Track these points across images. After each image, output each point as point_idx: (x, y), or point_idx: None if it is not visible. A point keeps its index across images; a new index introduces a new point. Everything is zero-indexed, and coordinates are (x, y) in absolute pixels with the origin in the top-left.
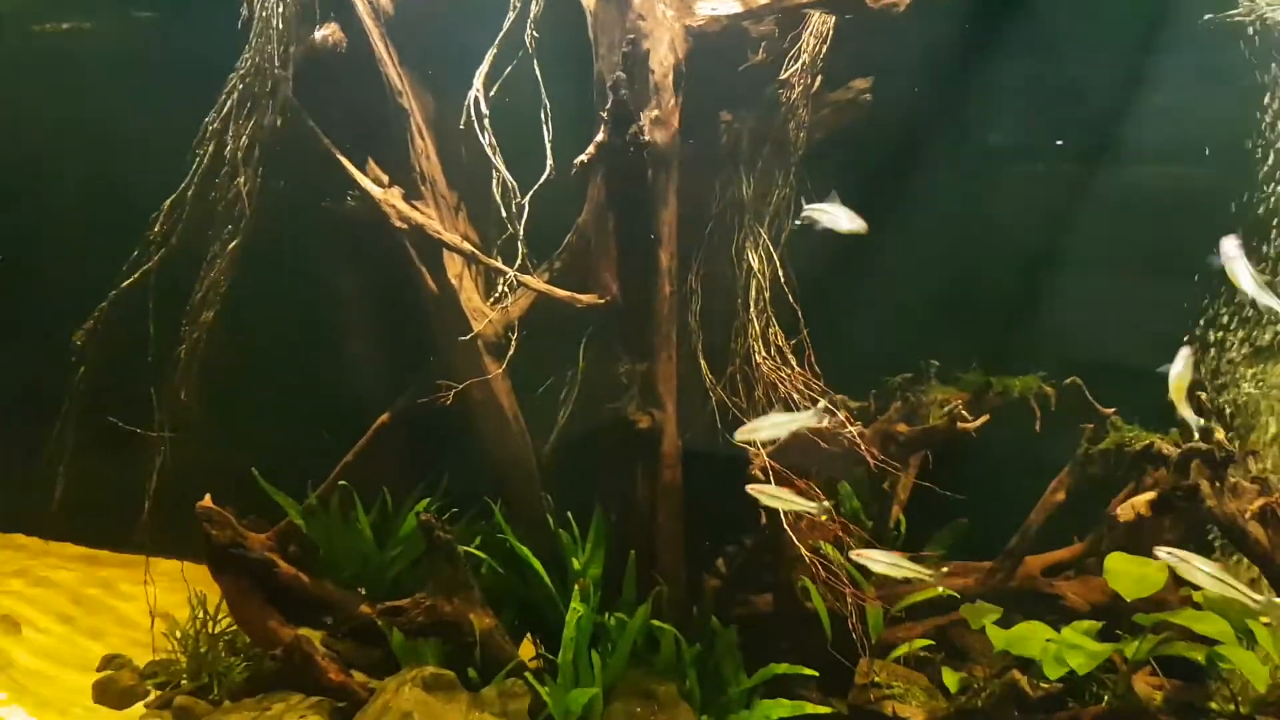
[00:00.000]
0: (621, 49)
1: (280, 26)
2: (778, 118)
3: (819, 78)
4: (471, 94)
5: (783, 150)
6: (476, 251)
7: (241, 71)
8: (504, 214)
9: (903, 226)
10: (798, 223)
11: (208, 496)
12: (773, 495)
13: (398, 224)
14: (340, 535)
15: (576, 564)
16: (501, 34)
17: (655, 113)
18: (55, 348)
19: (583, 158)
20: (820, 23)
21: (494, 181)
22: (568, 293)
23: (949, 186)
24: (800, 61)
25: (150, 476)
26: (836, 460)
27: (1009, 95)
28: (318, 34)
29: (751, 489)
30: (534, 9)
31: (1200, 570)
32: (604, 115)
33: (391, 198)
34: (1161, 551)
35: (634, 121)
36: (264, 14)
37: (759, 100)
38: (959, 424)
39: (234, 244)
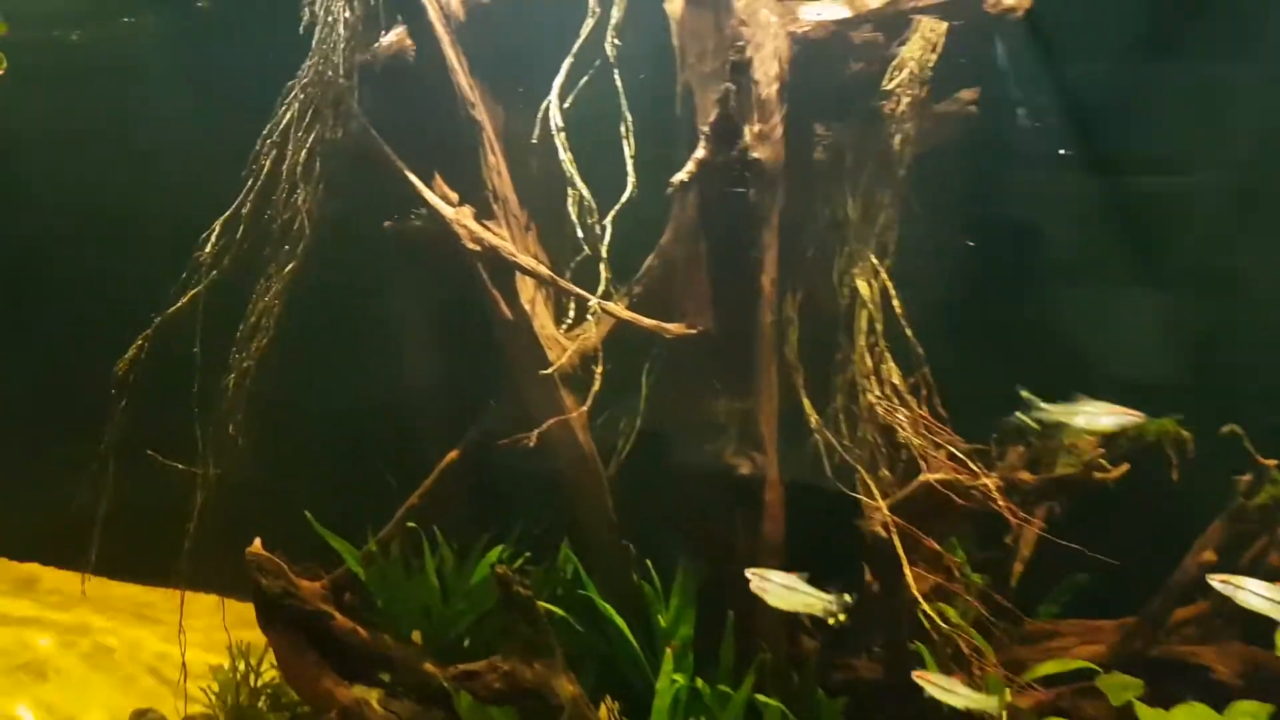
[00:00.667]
0: (727, 57)
1: (344, 32)
2: (882, 131)
3: (926, 88)
4: (549, 105)
5: (887, 165)
6: (555, 277)
7: (304, 80)
8: (580, 235)
9: (1018, 249)
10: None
11: (257, 541)
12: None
13: (470, 246)
14: (402, 585)
15: (663, 621)
16: (580, 41)
17: (759, 127)
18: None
19: (682, 176)
20: (929, 29)
21: (570, 200)
22: (655, 322)
23: (1072, 204)
24: (907, 70)
25: (194, 514)
26: (959, 515)
27: (1131, 106)
28: (384, 40)
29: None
30: (615, 14)
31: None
32: (705, 130)
33: (463, 217)
34: (1215, 580)
35: (739, 137)
36: (328, 19)
37: (862, 112)
38: (1096, 474)
39: (290, 266)
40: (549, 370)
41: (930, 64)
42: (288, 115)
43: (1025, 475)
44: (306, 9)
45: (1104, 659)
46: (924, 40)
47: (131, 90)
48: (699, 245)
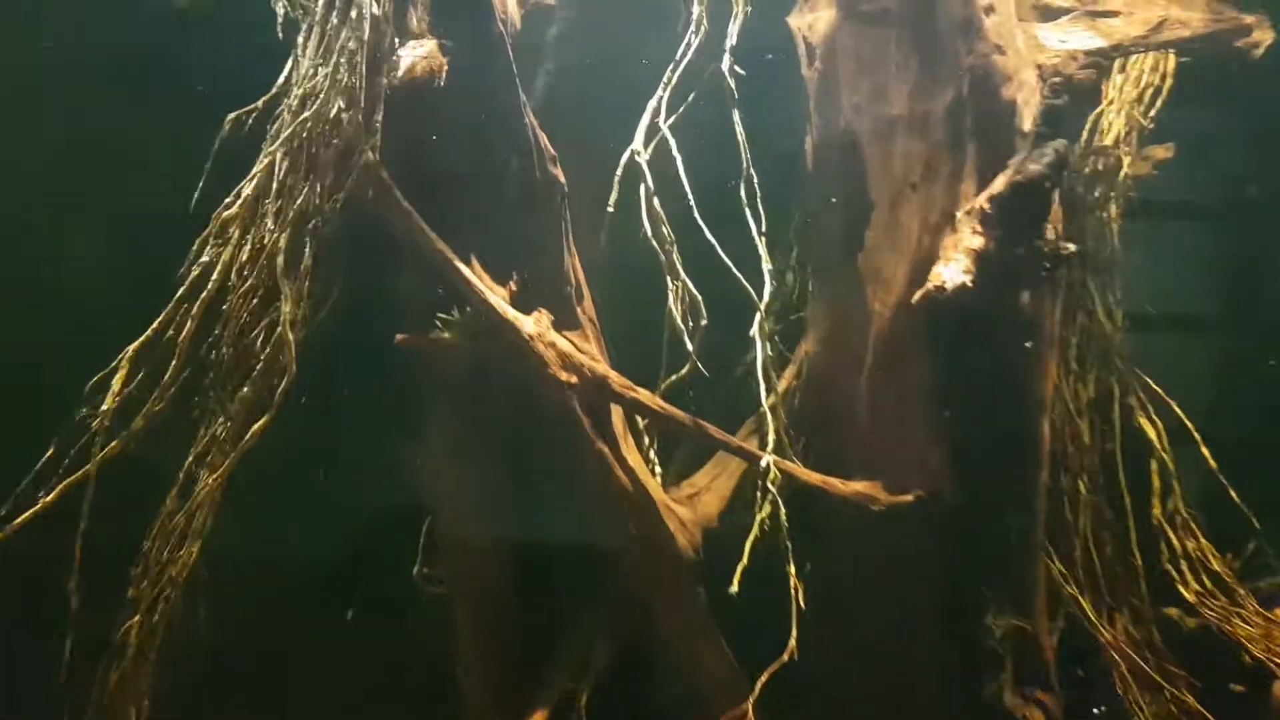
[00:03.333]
0: (946, 94)
1: (367, 35)
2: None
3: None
4: (637, 154)
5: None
6: (727, 437)
7: (290, 118)
8: (688, 345)
9: None
10: None
11: None
12: None
13: (560, 376)
14: None
15: None
16: (678, 70)
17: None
18: None
19: (957, 279)
20: (1157, 63)
21: (673, 296)
22: (860, 486)
23: None
24: (1127, 108)
25: None
26: None
27: None
28: (402, 58)
29: None
30: (732, 29)
31: None
32: (984, 207)
33: (546, 332)
34: None
35: (1043, 220)
36: (333, 20)
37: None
38: None
39: (260, 422)
40: (687, 557)
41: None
42: (258, 175)
43: None
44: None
45: None
46: (1145, 77)
47: None
48: (903, 361)
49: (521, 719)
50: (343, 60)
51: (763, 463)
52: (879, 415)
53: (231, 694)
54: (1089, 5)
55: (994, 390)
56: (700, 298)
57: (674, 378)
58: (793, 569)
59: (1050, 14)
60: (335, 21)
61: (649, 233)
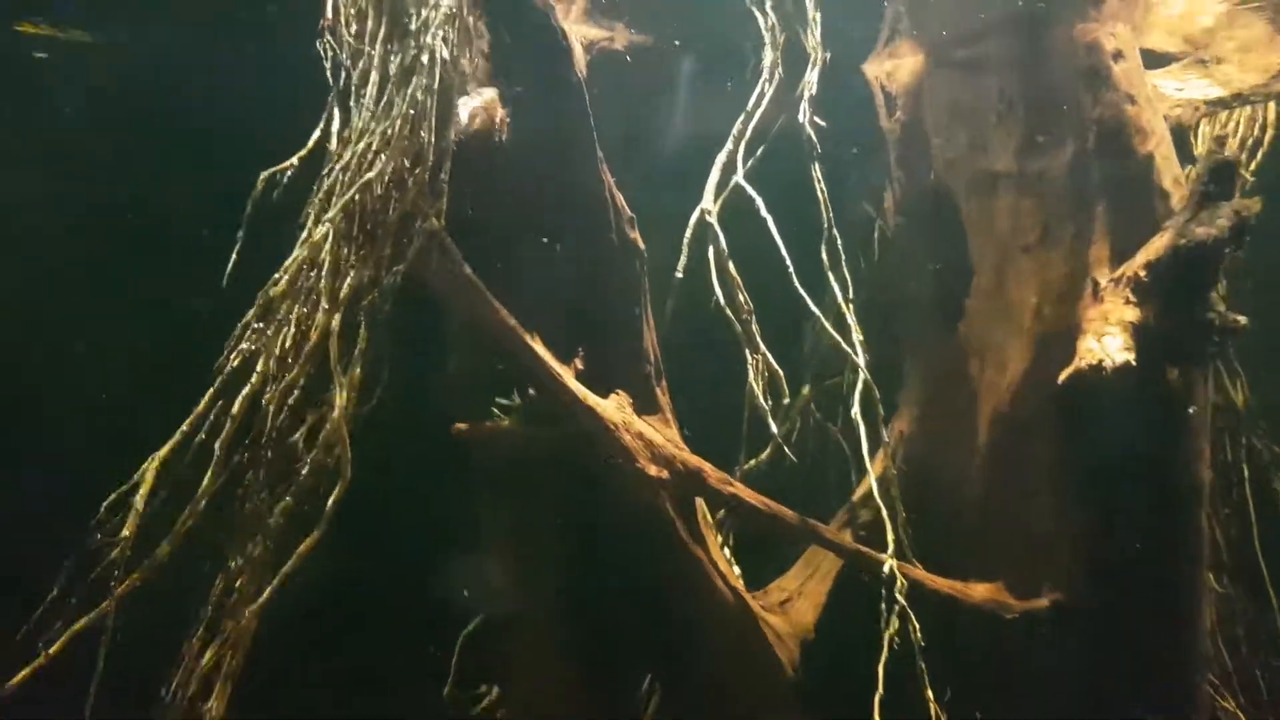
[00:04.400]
0: (1055, 142)
1: (438, 81)
2: None
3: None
4: (708, 213)
5: None
6: (862, 551)
7: (342, 187)
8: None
9: None
10: None
11: None
12: None
13: (650, 470)
14: None
15: None
16: (751, 121)
17: None
18: None
19: (1103, 360)
20: (1255, 113)
21: (753, 371)
22: (988, 591)
23: None
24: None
25: None
26: None
27: None
28: (462, 108)
29: None
30: (811, 77)
31: None
32: (1141, 275)
33: (631, 420)
34: None
35: (1208, 290)
36: (392, 64)
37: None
38: None
39: (309, 541)
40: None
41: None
42: (309, 244)
43: None
44: (327, 42)
45: None
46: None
47: None
48: (1027, 445)
49: None
50: (411, 111)
51: (885, 569)
52: (997, 505)
53: None
54: (1198, 52)
55: (1144, 478)
56: (782, 373)
57: (753, 461)
58: (930, 694)
59: (1151, 60)
60: (396, 66)
61: (721, 300)
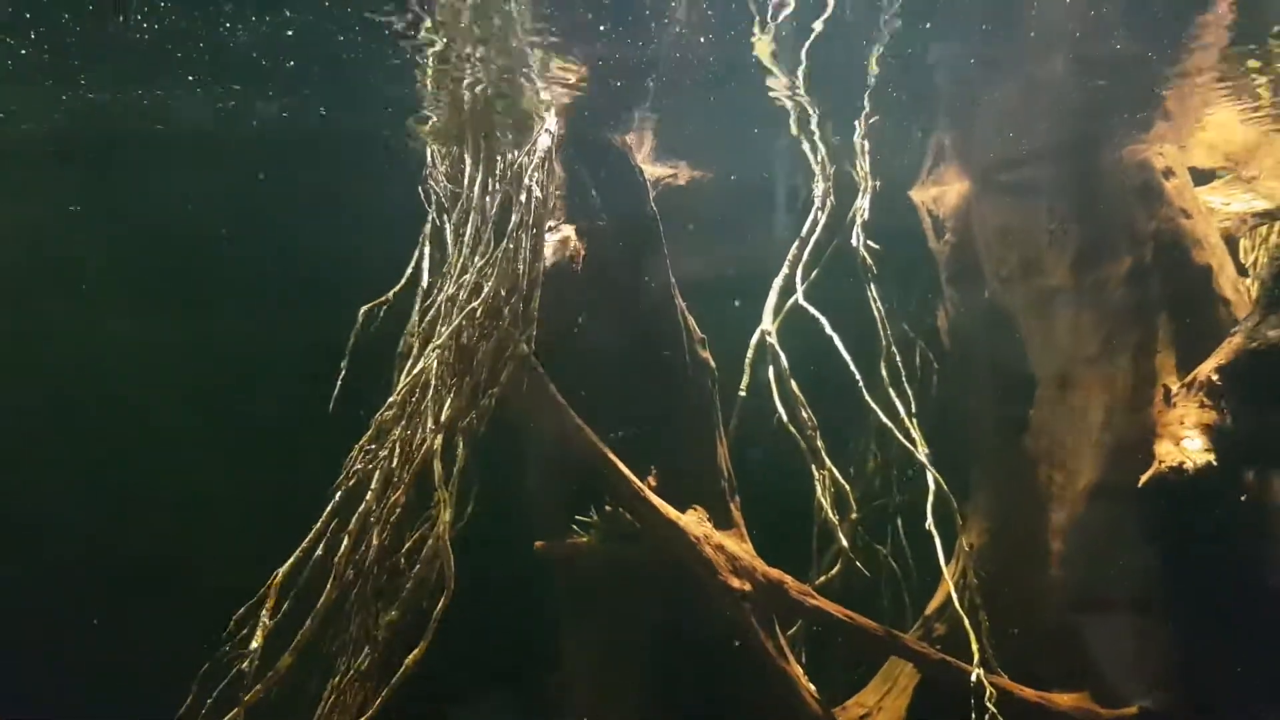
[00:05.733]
0: (1111, 264)
1: (533, 219)
2: None
3: None
4: (768, 334)
5: None
6: (906, 640)
7: (448, 317)
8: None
9: None
10: None
11: None
12: None
13: (732, 583)
14: None
15: None
16: (807, 246)
17: None
18: None
19: (1183, 462)
20: None
21: (820, 487)
22: (1075, 700)
23: None
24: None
25: None
26: None
27: None
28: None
29: None
30: (862, 204)
31: None
32: (1214, 378)
33: (710, 532)
34: None
35: None
36: (489, 202)
37: None
38: None
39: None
40: None
41: None
42: (416, 373)
43: None
44: (430, 180)
45: None
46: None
47: None
48: (1105, 552)
49: None
50: (509, 245)
51: (973, 678)
52: (1076, 614)
53: None
54: (1239, 169)
55: (1232, 582)
56: (847, 486)
57: (825, 576)
58: None
59: (1195, 178)
60: (491, 203)
61: (784, 417)
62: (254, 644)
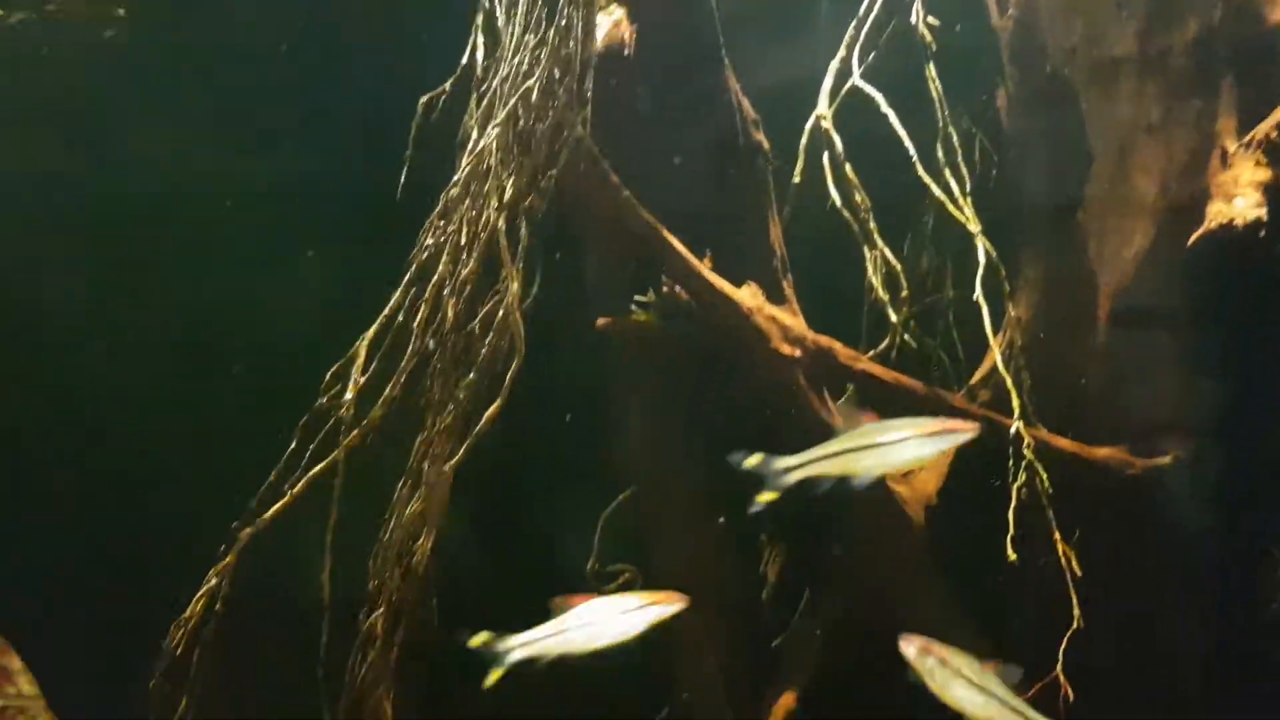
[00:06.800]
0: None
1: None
2: None
3: None
4: (823, 118)
5: None
6: (948, 395)
7: (502, 100)
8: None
9: None
10: None
11: None
12: None
13: (784, 349)
14: None
15: None
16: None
17: None
18: None
19: (1233, 219)
20: None
21: (871, 267)
22: (1111, 451)
23: None
24: None
25: None
26: None
27: None
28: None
29: None
30: None
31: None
32: (1273, 136)
33: (763, 304)
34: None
35: None
36: None
37: None
38: None
39: (492, 410)
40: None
41: None
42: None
43: None
44: None
45: None
46: None
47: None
48: (1152, 316)
49: (751, 706)
50: (562, 24)
51: (1013, 430)
52: (1120, 378)
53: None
54: None
55: (1276, 338)
56: (899, 266)
57: (875, 350)
58: (1059, 537)
59: None
60: None
61: (838, 201)
62: (348, 395)
